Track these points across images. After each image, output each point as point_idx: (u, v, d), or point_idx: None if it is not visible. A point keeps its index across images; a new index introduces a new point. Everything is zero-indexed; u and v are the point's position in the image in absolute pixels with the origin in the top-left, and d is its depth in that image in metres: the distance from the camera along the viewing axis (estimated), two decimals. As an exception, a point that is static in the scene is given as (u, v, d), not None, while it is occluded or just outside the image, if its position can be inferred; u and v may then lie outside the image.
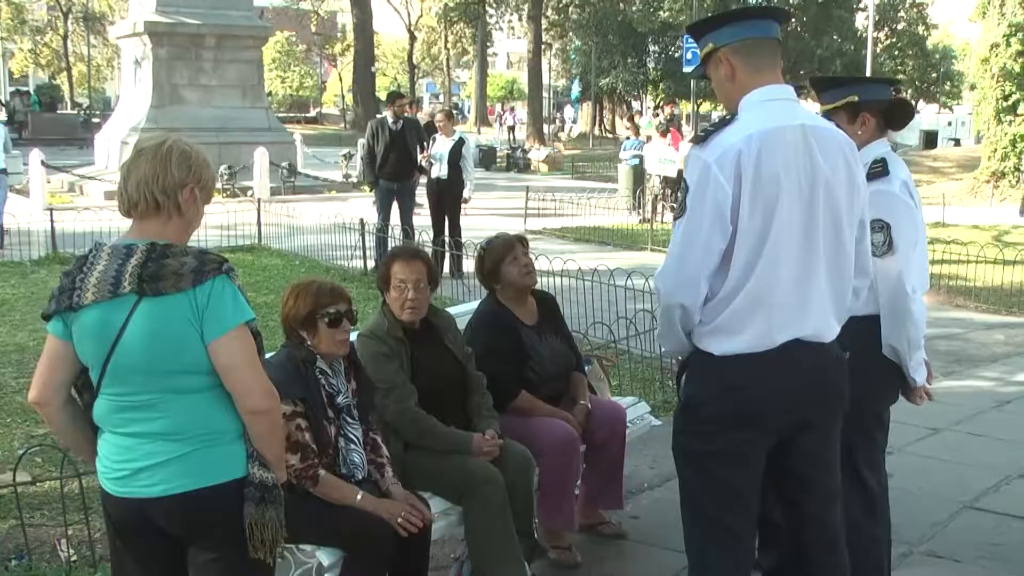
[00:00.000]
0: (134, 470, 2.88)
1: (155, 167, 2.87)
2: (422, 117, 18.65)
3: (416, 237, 12.06)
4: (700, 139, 3.17)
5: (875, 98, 4.06)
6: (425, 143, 13.26)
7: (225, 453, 2.90)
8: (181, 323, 2.79)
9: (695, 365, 3.26)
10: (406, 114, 13.38)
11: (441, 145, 12.96)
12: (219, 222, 14.75)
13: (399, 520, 3.85)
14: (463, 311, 5.48)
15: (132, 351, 2.82)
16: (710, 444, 3.21)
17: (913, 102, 50.85)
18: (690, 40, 27.68)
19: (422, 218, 13.34)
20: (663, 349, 3.59)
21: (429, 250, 12.03)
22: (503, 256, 5.04)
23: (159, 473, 2.86)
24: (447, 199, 13.02)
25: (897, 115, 4.13)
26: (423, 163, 13.06)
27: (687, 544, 3.38)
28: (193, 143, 3.03)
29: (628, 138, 22.14)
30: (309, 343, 3.96)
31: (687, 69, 28.87)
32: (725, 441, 3.18)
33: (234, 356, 2.82)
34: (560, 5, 51.65)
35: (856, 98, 4.02)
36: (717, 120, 3.25)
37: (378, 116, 14.70)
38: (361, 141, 14.13)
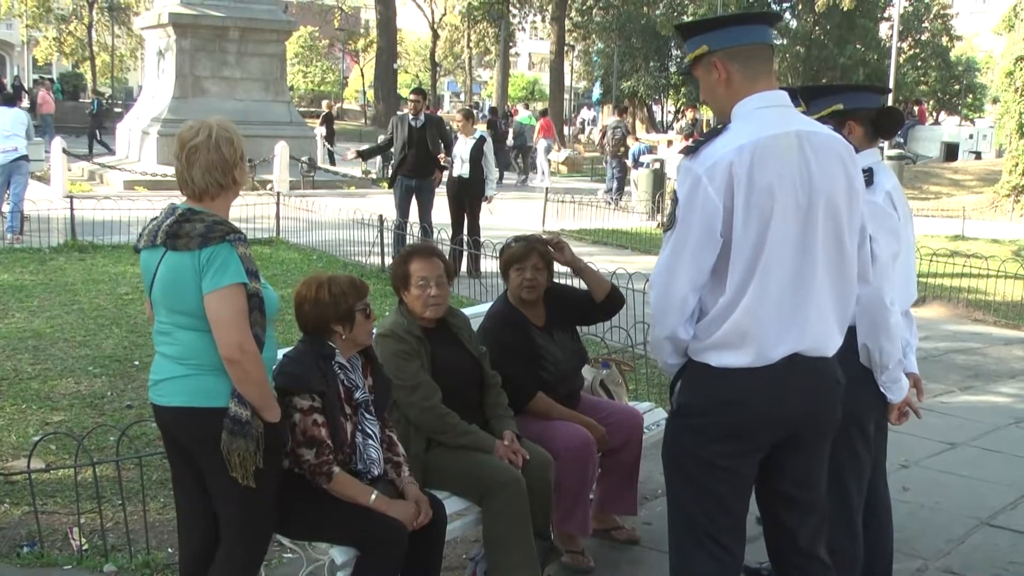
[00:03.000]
0: (156, 380, 3.59)
1: (211, 157, 3.47)
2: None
3: (435, 235, 12.03)
4: (690, 150, 3.10)
5: (862, 106, 3.99)
6: (450, 142, 13.26)
7: (213, 384, 3.46)
8: (187, 276, 3.41)
9: (690, 375, 3.23)
10: (427, 111, 13.35)
11: (461, 144, 12.93)
12: (238, 214, 14.59)
13: (415, 524, 3.88)
14: (479, 312, 5.46)
15: (158, 290, 3.52)
16: (700, 454, 3.18)
17: (934, 114, 50.66)
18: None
19: (439, 216, 13.31)
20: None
21: (447, 248, 12.05)
22: (513, 262, 5.02)
23: (167, 387, 3.54)
24: (467, 198, 12.99)
25: (886, 123, 4.06)
26: (443, 162, 13.04)
27: (671, 549, 3.36)
28: (223, 120, 3.61)
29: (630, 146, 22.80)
30: (343, 337, 3.99)
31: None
32: (715, 452, 3.16)
33: (218, 311, 3.38)
34: (584, 7, 51.55)
35: (841, 106, 3.96)
36: (707, 131, 3.18)
37: (399, 112, 14.70)
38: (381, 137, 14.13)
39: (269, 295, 3.57)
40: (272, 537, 3.89)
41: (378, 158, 22.98)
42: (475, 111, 22.50)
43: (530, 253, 5.01)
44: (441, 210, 13.27)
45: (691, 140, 3.30)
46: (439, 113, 28.22)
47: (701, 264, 3.05)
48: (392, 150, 13.16)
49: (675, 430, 3.29)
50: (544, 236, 5.24)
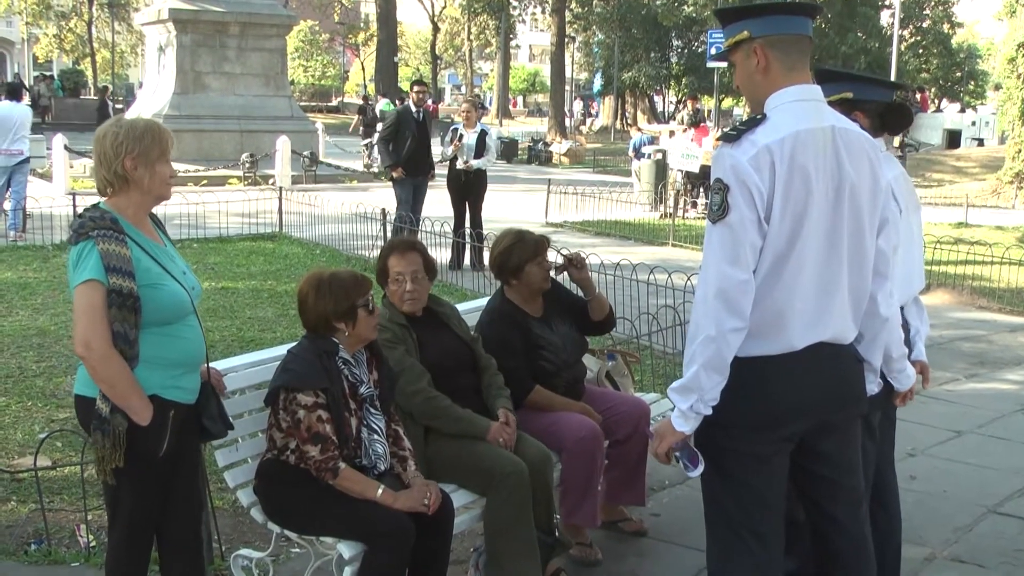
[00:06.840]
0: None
1: (95, 150, 3.55)
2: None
3: (439, 227, 11.99)
4: (731, 137, 3.10)
5: (871, 98, 3.98)
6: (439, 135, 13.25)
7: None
8: (70, 270, 3.47)
9: None
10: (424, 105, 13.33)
11: (466, 138, 12.89)
12: (240, 210, 14.83)
13: (425, 503, 3.89)
14: (478, 306, 5.43)
15: None
16: (731, 446, 3.18)
17: (936, 101, 50.57)
18: (715, 34, 27.52)
19: (443, 209, 13.28)
20: (692, 398, 3.24)
21: (449, 241, 12.02)
22: (532, 256, 5.02)
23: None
24: (471, 191, 12.97)
25: (893, 119, 4.05)
26: (454, 153, 12.96)
27: (708, 545, 3.35)
28: (136, 118, 3.64)
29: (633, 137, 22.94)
30: (347, 333, 3.98)
31: (711, 64, 28.84)
32: (746, 443, 3.16)
33: (74, 306, 3.42)
34: (584, -2, 51.57)
35: (850, 95, 3.95)
36: (746, 119, 3.19)
37: (403, 104, 14.64)
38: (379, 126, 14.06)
39: (165, 293, 3.48)
40: (210, 536, 3.98)
41: (374, 149, 22.91)
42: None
43: (543, 245, 5.08)
44: (443, 203, 13.24)
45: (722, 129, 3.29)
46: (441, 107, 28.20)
47: (755, 248, 3.04)
48: (390, 142, 13.05)
49: (704, 428, 3.23)
50: (565, 254, 5.31)
